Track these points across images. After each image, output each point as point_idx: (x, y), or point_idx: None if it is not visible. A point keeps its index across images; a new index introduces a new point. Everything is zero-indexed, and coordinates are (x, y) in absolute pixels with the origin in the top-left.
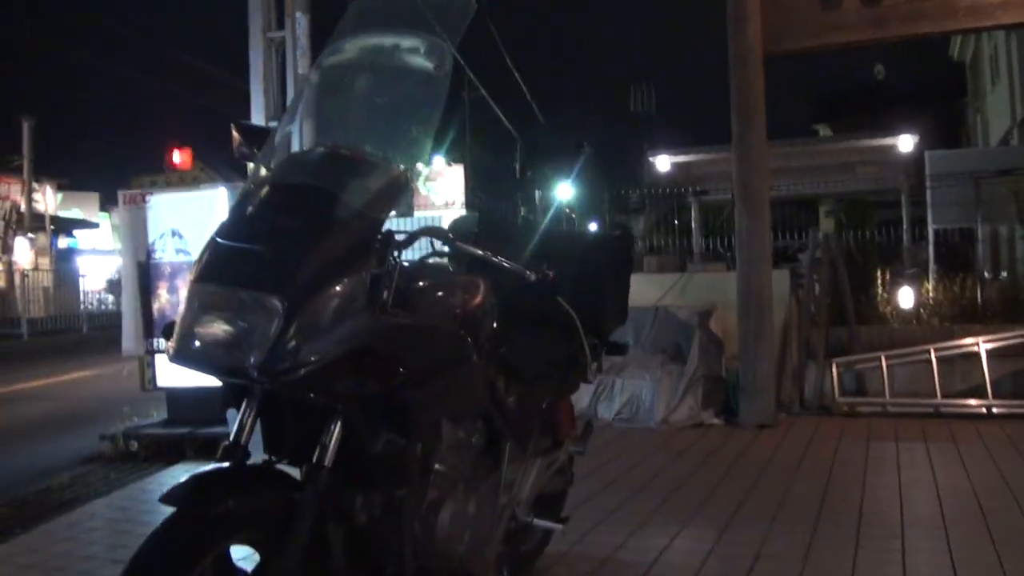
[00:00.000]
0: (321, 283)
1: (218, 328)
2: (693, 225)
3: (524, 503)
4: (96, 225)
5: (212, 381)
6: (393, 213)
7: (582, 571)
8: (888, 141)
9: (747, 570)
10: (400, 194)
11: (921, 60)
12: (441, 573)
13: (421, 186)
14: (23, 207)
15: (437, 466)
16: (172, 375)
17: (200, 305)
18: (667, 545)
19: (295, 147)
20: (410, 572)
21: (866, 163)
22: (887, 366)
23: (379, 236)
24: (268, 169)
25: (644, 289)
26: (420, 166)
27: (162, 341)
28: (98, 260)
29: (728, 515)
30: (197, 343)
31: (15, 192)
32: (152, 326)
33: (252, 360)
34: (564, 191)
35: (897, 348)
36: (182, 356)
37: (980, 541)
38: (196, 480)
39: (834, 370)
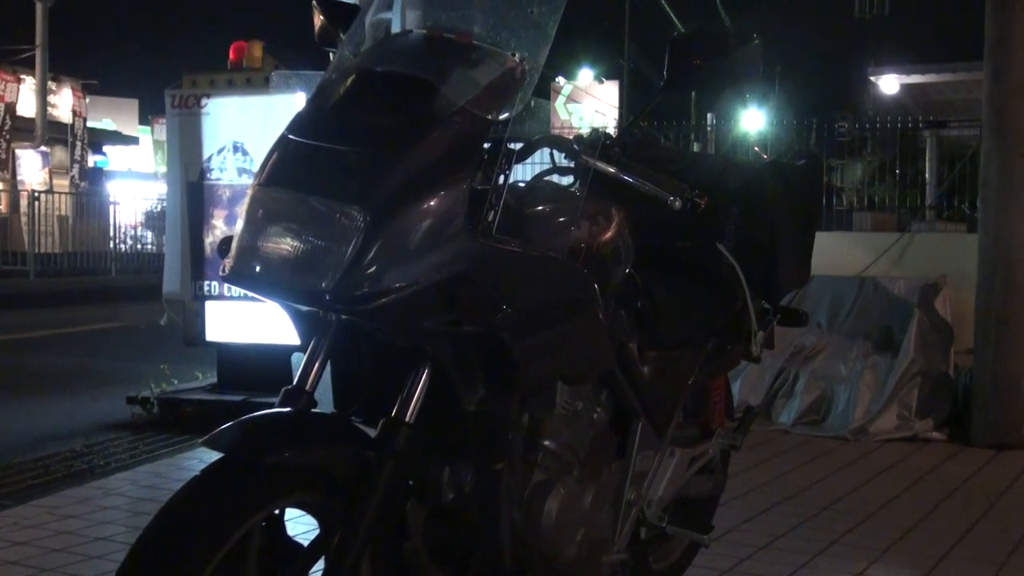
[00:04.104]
0: (412, 194)
1: (285, 243)
2: (927, 171)
3: (657, 503)
4: (134, 140)
5: (276, 338)
6: (506, 115)
7: None
8: None
9: None
10: (515, 90)
11: None
12: None
13: (560, 108)
14: (35, 111)
15: (547, 442)
16: (226, 328)
17: (264, 214)
18: None
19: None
20: (505, 570)
21: None
22: None
23: (487, 141)
24: (354, 55)
25: (849, 252)
26: (561, 80)
27: (214, 285)
28: (135, 186)
29: (939, 554)
30: (258, 261)
31: (11, 92)
32: (203, 264)
33: (324, 284)
34: (752, 120)
35: None
36: (240, 276)
37: None
38: (248, 424)
39: None
